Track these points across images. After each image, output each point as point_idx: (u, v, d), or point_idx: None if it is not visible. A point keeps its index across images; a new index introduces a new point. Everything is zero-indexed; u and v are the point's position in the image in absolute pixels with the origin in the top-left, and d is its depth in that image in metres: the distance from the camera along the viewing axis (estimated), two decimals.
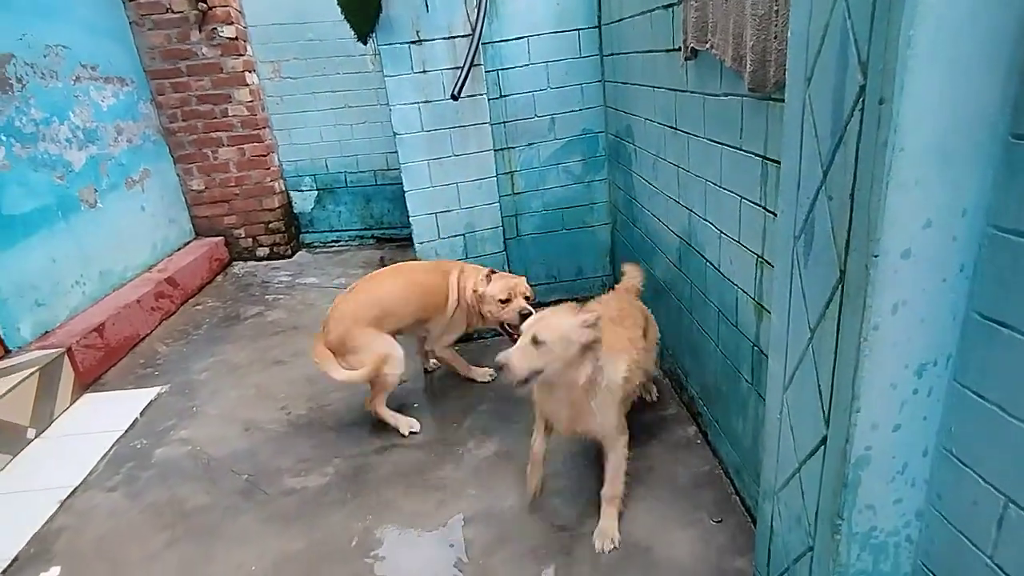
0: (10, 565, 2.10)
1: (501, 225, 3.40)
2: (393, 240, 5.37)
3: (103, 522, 2.28)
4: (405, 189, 3.25)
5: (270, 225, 5.17)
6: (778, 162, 1.52)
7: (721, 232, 1.99)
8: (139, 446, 2.73)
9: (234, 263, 5.06)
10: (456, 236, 3.35)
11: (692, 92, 2.09)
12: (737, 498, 2.10)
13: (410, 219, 3.30)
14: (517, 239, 3.63)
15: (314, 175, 5.39)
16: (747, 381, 1.94)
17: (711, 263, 2.13)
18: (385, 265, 4.79)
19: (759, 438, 1.84)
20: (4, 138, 3.27)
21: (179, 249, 4.78)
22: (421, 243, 3.33)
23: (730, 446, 2.17)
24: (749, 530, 1.94)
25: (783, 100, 1.28)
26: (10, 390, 2.71)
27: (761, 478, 1.61)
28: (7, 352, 3.07)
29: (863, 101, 0.97)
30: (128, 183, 4.32)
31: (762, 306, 1.77)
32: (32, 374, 2.85)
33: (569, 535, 2.04)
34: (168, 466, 2.57)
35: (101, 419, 2.93)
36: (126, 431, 2.83)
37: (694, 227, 2.26)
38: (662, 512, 2.09)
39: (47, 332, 3.32)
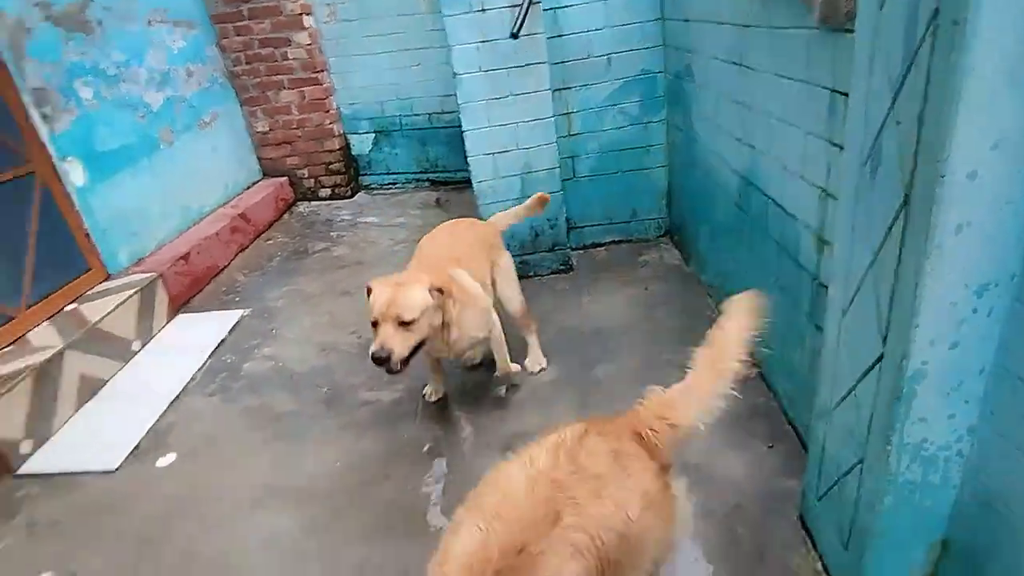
0: (135, 450, 2.44)
1: (558, 166, 3.48)
2: (447, 183, 5.50)
3: (206, 421, 2.59)
4: (463, 129, 3.34)
5: (331, 166, 5.36)
6: (845, 93, 1.56)
7: (785, 167, 2.04)
8: (229, 360, 3.03)
9: (298, 203, 5.30)
10: (513, 176, 3.45)
11: (758, 27, 2.10)
12: (790, 427, 2.22)
13: (468, 159, 3.41)
14: (574, 180, 3.71)
15: (371, 118, 5.51)
16: (805, 314, 2.02)
17: (773, 200, 2.18)
18: (441, 207, 4.97)
19: (814, 366, 1.94)
20: (92, 79, 3.51)
21: (248, 188, 5.04)
22: (479, 182, 3.45)
23: (785, 378, 2.28)
24: (800, 455, 2.05)
25: (852, 30, 1.32)
26: (116, 307, 3.03)
27: (816, 401, 1.71)
28: (108, 276, 3.39)
29: (936, 24, 1.02)
30: (200, 124, 4.55)
31: (823, 240, 1.83)
32: (133, 294, 3.16)
33: None
34: (256, 378, 2.87)
35: (194, 336, 3.25)
36: (216, 347, 3.14)
37: (756, 164, 2.30)
38: (715, 436, 2.21)
39: (140, 259, 3.63)
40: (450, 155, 5.44)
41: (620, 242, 3.87)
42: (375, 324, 2.00)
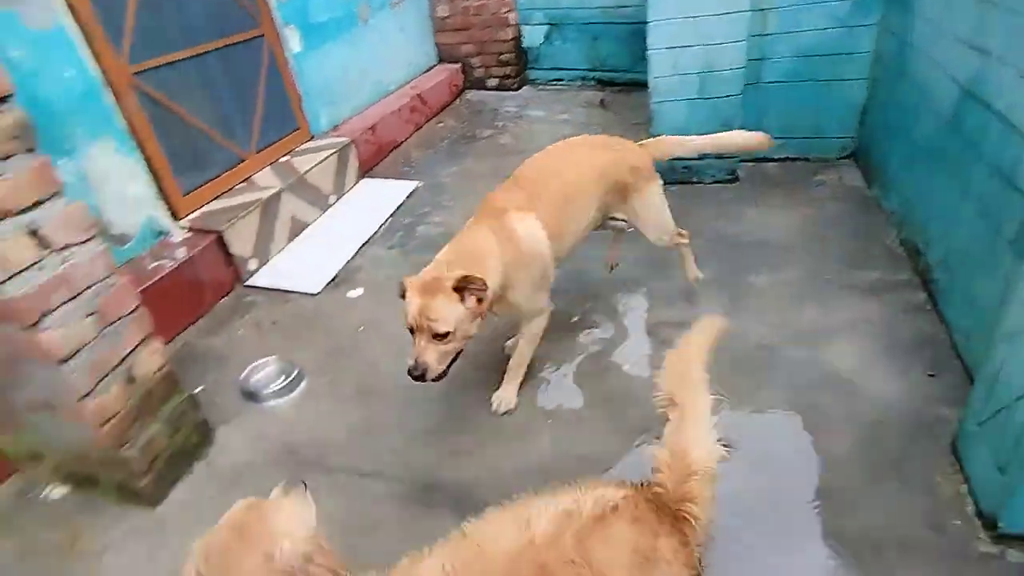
0: (331, 281, 2.92)
1: (743, 67, 3.28)
2: (614, 84, 5.39)
3: (387, 267, 3.01)
4: (648, 19, 3.23)
5: (501, 57, 5.45)
6: None
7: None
8: (405, 222, 3.42)
9: (467, 91, 5.52)
10: (692, 74, 3.32)
11: None
12: (957, 360, 2.10)
13: (648, 52, 3.32)
14: (756, 86, 3.49)
15: (545, 9, 5.44)
16: (1008, 241, 1.86)
17: (998, 114, 1.95)
18: (605, 107, 4.92)
19: (1005, 295, 1.81)
20: None
21: (426, 72, 5.32)
22: (656, 78, 3.37)
23: (963, 309, 2.14)
24: (962, 387, 1.96)
25: None
26: (319, 164, 3.49)
27: (1001, 324, 1.61)
28: (311, 137, 3.88)
29: None
30: (392, 4, 4.81)
31: None
32: (332, 154, 3.60)
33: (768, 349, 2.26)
34: (428, 239, 3.22)
35: (377, 198, 3.67)
36: (395, 211, 3.54)
37: (986, 73, 2.04)
38: (872, 358, 2.17)
39: (336, 126, 4.08)
40: (621, 54, 5.29)
41: (795, 159, 3.64)
42: (411, 330, 1.80)
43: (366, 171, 4.01)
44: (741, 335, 2.35)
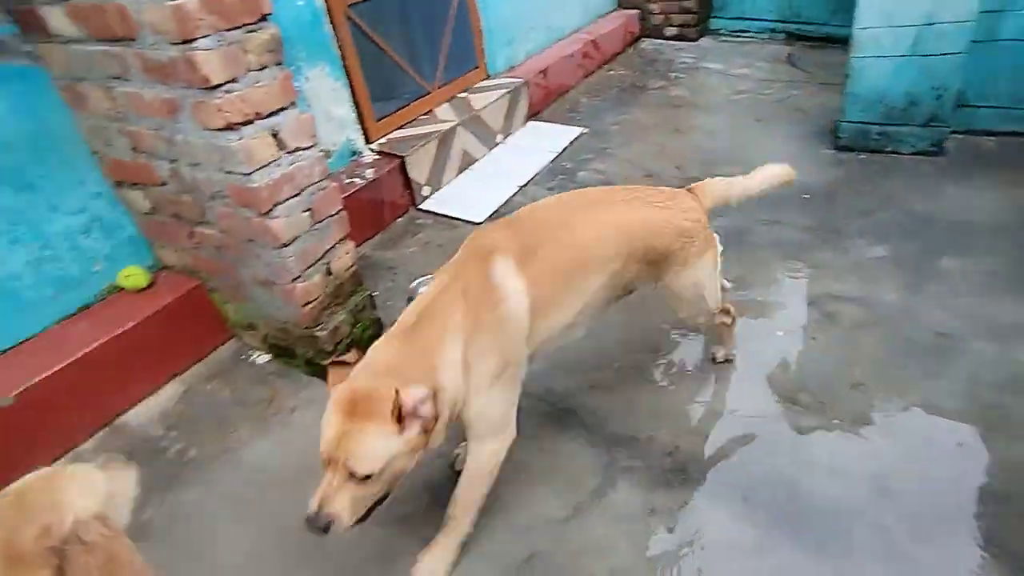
0: (494, 212, 3.12)
1: (973, 20, 2.84)
2: (806, 38, 4.91)
3: None
4: None
5: (683, 3, 5.18)
6: None
7: None
8: (567, 167, 3.50)
9: (643, 39, 5.35)
10: (906, 27, 2.93)
11: None
12: None
13: None
14: (986, 44, 3.00)
15: None
16: None
17: None
18: (793, 64, 4.52)
19: None
20: None
21: (601, 17, 5.24)
22: (861, 29, 3.01)
23: None
24: None
25: None
26: (492, 103, 3.65)
27: None
28: (487, 76, 4.04)
29: None
30: None
31: None
32: (504, 95, 3.75)
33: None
34: (587, 184, 3.27)
35: (542, 140, 3.78)
36: (558, 154, 3.62)
37: None
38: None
39: (511, 67, 4.21)
40: (817, 3, 4.79)
41: (1021, 135, 3.13)
42: (323, 462, 1.26)
43: (534, 114, 4.11)
44: (916, 319, 2.17)
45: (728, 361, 2.11)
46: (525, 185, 3.34)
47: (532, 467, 1.84)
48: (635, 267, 1.65)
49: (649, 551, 1.60)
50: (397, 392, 1.20)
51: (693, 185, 1.82)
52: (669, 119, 3.90)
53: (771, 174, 1.86)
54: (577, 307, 1.59)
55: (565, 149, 3.66)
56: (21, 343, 2.04)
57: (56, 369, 1.93)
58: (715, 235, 1.81)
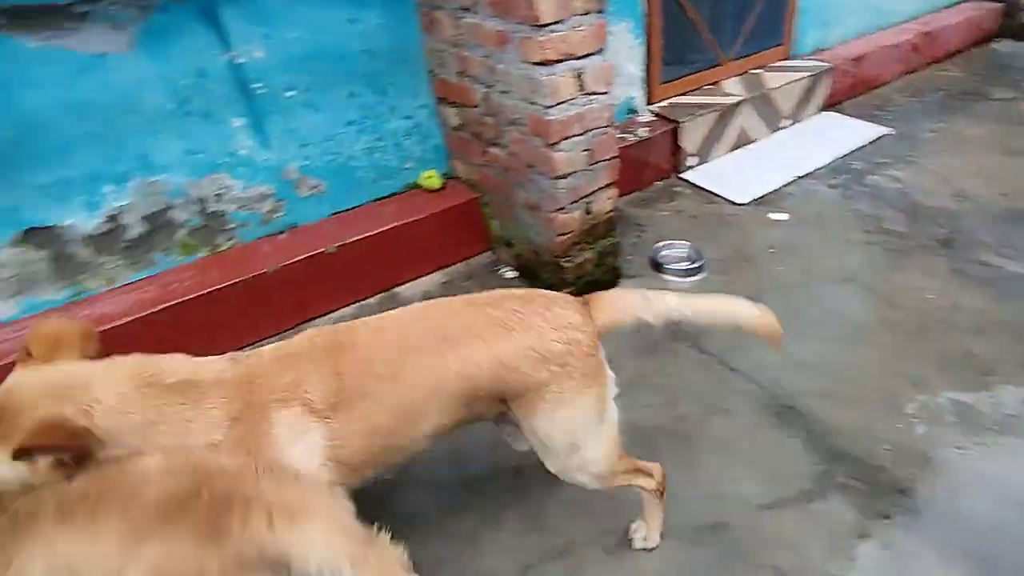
0: (759, 198, 2.97)
1: None
2: None
3: (819, 203, 2.89)
4: None
5: None
6: None
7: None
8: (857, 167, 3.15)
9: (998, 39, 4.43)
10: None
11: None
12: None
13: None
14: None
15: None
16: None
17: None
18: None
19: None
20: None
21: (948, 7, 4.45)
22: None
23: None
24: None
25: None
26: (787, 84, 3.41)
27: None
28: (788, 56, 3.76)
29: None
30: None
31: None
32: (803, 78, 3.46)
33: None
34: (878, 190, 2.93)
35: (834, 134, 3.45)
36: (850, 152, 3.27)
37: None
38: None
39: (820, 49, 3.85)
40: None
41: None
42: None
43: (833, 103, 3.73)
44: None
45: (648, 550, 1.53)
46: (803, 177, 3.10)
47: (739, 450, 1.80)
48: (481, 408, 1.30)
49: (844, 571, 1.48)
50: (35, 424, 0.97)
51: (591, 295, 1.36)
52: (1005, 137, 3.23)
53: (732, 311, 1.35)
54: (402, 446, 1.25)
55: (861, 148, 3.29)
56: (347, 210, 2.60)
57: (367, 235, 2.42)
58: (607, 367, 1.32)
